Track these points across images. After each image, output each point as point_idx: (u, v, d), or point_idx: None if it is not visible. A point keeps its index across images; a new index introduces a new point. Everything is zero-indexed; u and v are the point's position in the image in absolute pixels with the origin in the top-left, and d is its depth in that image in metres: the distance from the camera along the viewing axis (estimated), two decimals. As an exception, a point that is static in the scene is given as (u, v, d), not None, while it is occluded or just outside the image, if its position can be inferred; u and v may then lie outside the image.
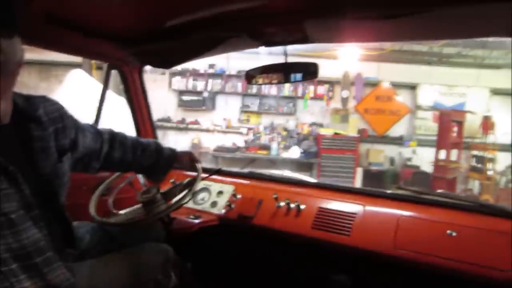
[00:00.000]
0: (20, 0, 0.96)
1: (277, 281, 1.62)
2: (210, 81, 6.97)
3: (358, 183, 6.38)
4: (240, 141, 6.94)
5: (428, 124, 6.97)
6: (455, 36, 1.94)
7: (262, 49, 1.56)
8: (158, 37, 1.41)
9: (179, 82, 6.99)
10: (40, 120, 1.01)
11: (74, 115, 1.18)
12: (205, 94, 6.99)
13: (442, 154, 6.24)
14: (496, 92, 6.84)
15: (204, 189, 1.75)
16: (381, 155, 6.86)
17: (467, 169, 6.76)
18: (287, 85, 6.79)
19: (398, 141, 6.96)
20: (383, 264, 1.31)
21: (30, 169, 0.95)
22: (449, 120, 6.21)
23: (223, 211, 1.62)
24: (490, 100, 6.90)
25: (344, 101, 6.96)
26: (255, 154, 6.59)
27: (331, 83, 6.90)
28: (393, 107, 6.86)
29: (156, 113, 1.92)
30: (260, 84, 1.47)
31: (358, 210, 1.42)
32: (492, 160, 6.37)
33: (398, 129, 7.00)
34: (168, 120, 6.99)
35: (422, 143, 6.84)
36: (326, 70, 5.95)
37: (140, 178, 1.64)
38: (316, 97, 6.94)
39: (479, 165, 6.55)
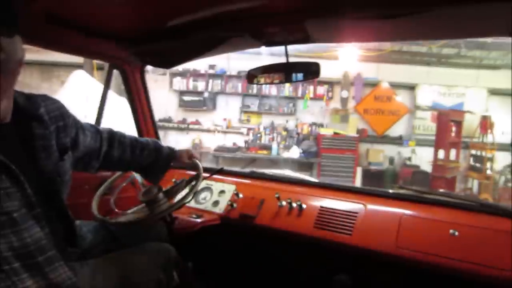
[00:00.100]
0: (21, 0, 0.95)
1: (279, 280, 1.61)
2: (210, 81, 6.97)
3: (358, 182, 6.38)
4: (240, 141, 6.93)
5: (427, 124, 6.98)
6: (455, 35, 1.93)
7: (264, 49, 1.56)
8: (160, 36, 1.40)
9: (180, 83, 6.98)
10: (42, 118, 1.00)
11: (77, 115, 1.18)
12: (206, 95, 6.99)
13: (441, 154, 6.24)
14: (494, 92, 6.86)
15: (206, 189, 1.74)
16: (381, 155, 6.87)
17: (466, 169, 6.77)
18: (287, 86, 6.80)
19: (398, 141, 6.97)
20: (385, 264, 1.30)
21: (31, 168, 0.94)
22: (447, 120, 6.23)
23: (225, 210, 1.61)
24: (489, 100, 6.92)
25: (344, 101, 6.96)
26: (255, 154, 6.59)
27: (331, 83, 6.90)
28: (393, 107, 6.87)
29: (157, 114, 1.91)
30: (262, 84, 1.47)
31: (360, 209, 1.41)
32: (490, 159, 6.37)
33: (397, 129, 7.01)
34: (169, 120, 6.99)
35: (421, 143, 6.84)
36: (326, 70, 5.90)
37: (138, 177, 1.61)
38: (316, 97, 6.94)
39: (477, 165, 6.55)
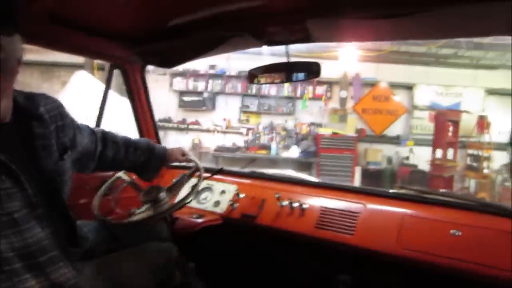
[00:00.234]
0: (23, 0, 0.94)
1: (280, 280, 1.60)
2: (210, 81, 6.96)
3: (356, 182, 6.38)
4: (240, 141, 6.92)
5: (425, 124, 6.99)
6: (455, 35, 1.92)
7: (264, 49, 1.55)
8: (161, 36, 1.39)
9: (180, 83, 6.97)
10: (42, 117, 0.99)
11: (80, 116, 1.17)
12: (206, 95, 6.98)
13: (439, 153, 6.25)
14: (491, 92, 6.87)
15: (207, 189, 1.73)
16: (379, 154, 6.87)
17: (463, 168, 6.77)
18: (286, 86, 6.79)
19: (396, 140, 6.97)
20: (386, 264, 1.29)
21: (32, 167, 0.94)
22: (445, 120, 6.23)
23: (226, 210, 1.60)
24: (486, 100, 6.92)
25: (343, 101, 6.96)
26: (255, 154, 6.58)
27: (330, 83, 6.89)
28: (391, 107, 6.87)
29: (157, 114, 1.90)
30: (262, 84, 1.46)
31: (361, 209, 1.40)
32: (487, 158, 6.37)
33: (395, 129, 7.01)
34: (169, 120, 6.97)
35: (419, 143, 6.84)
36: (324, 70, 5.87)
37: (126, 177, 1.56)
38: (315, 98, 6.93)
39: (475, 164, 6.56)
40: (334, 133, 6.50)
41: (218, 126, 7.04)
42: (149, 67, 1.83)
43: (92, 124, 1.71)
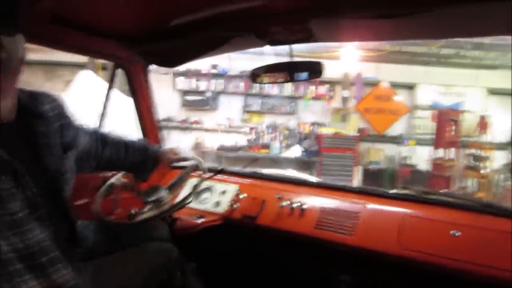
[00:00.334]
0: (26, 0, 0.94)
1: (280, 281, 1.59)
2: (213, 81, 6.94)
3: (357, 181, 6.36)
4: (242, 140, 6.91)
5: (426, 123, 6.94)
6: (456, 35, 1.90)
7: (266, 49, 1.54)
8: (163, 36, 1.39)
9: (182, 82, 6.95)
10: (45, 116, 0.99)
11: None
12: (208, 94, 6.96)
13: (440, 153, 6.21)
14: (493, 92, 6.83)
15: (207, 189, 1.72)
16: (380, 154, 6.83)
17: (464, 167, 6.74)
18: (288, 85, 6.76)
19: (397, 140, 6.94)
20: (387, 264, 1.28)
21: (35, 166, 0.93)
22: (446, 119, 6.19)
23: (226, 211, 1.59)
24: (487, 99, 6.88)
25: (345, 100, 6.93)
26: (257, 153, 6.56)
27: (332, 83, 6.87)
28: (392, 106, 6.84)
29: (160, 113, 1.90)
30: (265, 83, 1.45)
31: (362, 209, 1.38)
32: (488, 158, 6.33)
33: (397, 128, 6.98)
34: (171, 119, 6.97)
35: (420, 142, 6.81)
36: (326, 70, 5.90)
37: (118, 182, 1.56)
38: (317, 97, 6.90)
39: (475, 164, 6.52)
40: (336, 133, 6.48)
41: (221, 126, 7.03)
42: (152, 67, 1.82)
43: (97, 123, 1.72)
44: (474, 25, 1.15)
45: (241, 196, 1.62)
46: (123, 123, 4.01)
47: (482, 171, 6.24)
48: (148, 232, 1.33)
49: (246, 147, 6.75)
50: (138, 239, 1.25)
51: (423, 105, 6.94)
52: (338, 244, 1.34)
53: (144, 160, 1.42)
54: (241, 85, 6.89)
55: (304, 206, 1.46)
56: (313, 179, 1.83)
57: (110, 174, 1.52)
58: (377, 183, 6.34)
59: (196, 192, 1.36)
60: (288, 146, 6.64)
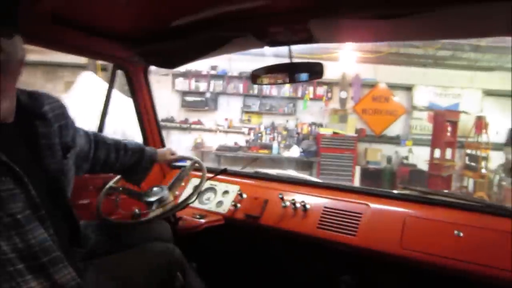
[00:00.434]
0: (26, 0, 0.92)
1: (282, 281, 1.58)
2: (212, 82, 6.95)
3: (356, 181, 6.37)
4: (241, 141, 6.91)
5: (424, 124, 6.98)
6: (456, 35, 1.89)
7: (267, 51, 1.53)
8: (164, 37, 1.37)
9: (182, 83, 6.96)
10: (45, 116, 0.98)
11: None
12: (208, 95, 6.96)
13: (437, 153, 6.23)
14: (489, 93, 6.87)
15: (210, 189, 1.70)
16: (379, 154, 6.85)
17: (461, 167, 6.76)
18: (287, 86, 6.78)
19: (395, 140, 6.97)
20: (389, 264, 1.26)
21: (36, 167, 0.92)
22: (443, 120, 6.22)
23: (229, 211, 1.58)
24: (483, 100, 6.90)
25: (343, 101, 6.95)
26: (256, 153, 6.56)
27: (330, 84, 6.89)
28: (390, 107, 6.86)
29: (160, 114, 1.89)
30: (265, 84, 1.43)
31: (364, 210, 1.37)
32: (485, 158, 6.35)
33: (394, 129, 7.01)
34: (171, 120, 6.96)
35: (417, 142, 6.84)
36: (325, 71, 5.92)
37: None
38: (316, 98, 6.92)
39: (472, 164, 6.54)
40: (335, 133, 6.49)
41: (220, 126, 7.03)
42: (152, 68, 1.81)
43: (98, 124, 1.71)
44: (474, 26, 1.14)
45: (243, 196, 1.60)
46: (125, 124, 4.01)
47: (481, 171, 6.25)
48: (149, 232, 1.32)
49: (245, 148, 6.74)
50: (140, 239, 1.24)
51: (420, 106, 6.97)
52: (341, 244, 1.33)
53: (138, 161, 1.39)
54: (240, 86, 6.90)
55: (307, 206, 1.45)
56: (315, 179, 1.82)
57: (110, 175, 1.50)
58: (376, 182, 6.34)
59: (198, 191, 1.35)
60: (286, 147, 6.65)
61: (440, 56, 6.43)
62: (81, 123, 1.21)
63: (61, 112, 1.05)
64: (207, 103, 6.95)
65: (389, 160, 6.78)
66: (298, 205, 1.46)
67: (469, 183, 6.68)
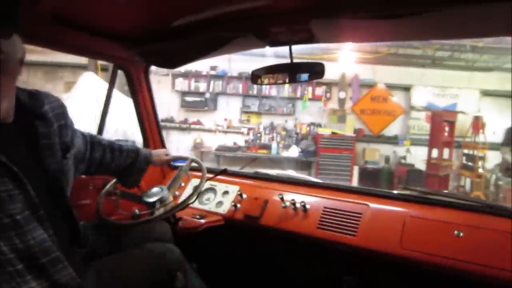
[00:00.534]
0: (26, 0, 0.91)
1: (283, 281, 1.57)
2: (211, 82, 6.94)
3: (354, 180, 6.37)
4: (241, 141, 6.91)
5: (421, 124, 6.99)
6: (456, 36, 1.88)
7: (268, 51, 1.51)
8: (164, 37, 1.36)
9: (182, 84, 6.95)
10: (45, 116, 0.97)
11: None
12: (207, 95, 6.96)
13: (435, 153, 6.24)
14: (486, 93, 6.88)
15: (210, 189, 1.69)
16: (377, 154, 6.85)
17: (458, 167, 6.77)
18: (286, 87, 6.77)
19: (393, 140, 6.97)
20: (390, 264, 1.25)
21: (36, 167, 0.92)
22: (441, 120, 6.24)
23: (229, 211, 1.57)
24: (481, 101, 6.91)
25: (341, 102, 6.95)
26: (255, 153, 6.56)
27: (329, 84, 6.88)
28: (388, 107, 6.87)
29: (160, 114, 1.87)
30: (266, 84, 1.42)
31: (364, 210, 1.36)
32: (482, 158, 6.36)
33: (392, 129, 7.01)
34: (171, 120, 6.95)
35: (415, 142, 6.85)
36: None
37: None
38: (314, 98, 6.93)
39: (470, 163, 6.55)
40: (333, 133, 6.50)
41: (220, 126, 7.02)
42: (152, 68, 1.79)
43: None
44: (474, 26, 1.14)
45: (243, 197, 1.59)
46: (126, 124, 4.00)
47: (478, 171, 6.26)
48: (149, 233, 1.31)
49: (244, 148, 6.74)
50: (140, 239, 1.24)
51: (418, 106, 6.98)
52: (341, 244, 1.31)
53: (133, 162, 1.37)
54: (240, 86, 6.90)
55: (307, 207, 1.43)
56: (315, 179, 1.81)
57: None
58: (374, 182, 6.35)
59: (198, 192, 1.34)
60: (285, 147, 6.64)
61: (438, 56, 6.44)
62: (83, 123, 1.20)
63: (61, 111, 1.04)
64: (207, 103, 6.95)
65: (387, 160, 6.79)
66: (298, 205, 1.45)
67: (466, 182, 6.70)
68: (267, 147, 6.63)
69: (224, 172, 1.61)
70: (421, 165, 6.56)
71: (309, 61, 1.37)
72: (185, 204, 1.32)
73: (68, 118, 1.07)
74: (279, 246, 1.54)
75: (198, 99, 6.96)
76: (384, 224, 1.30)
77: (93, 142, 1.27)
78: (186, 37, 1.33)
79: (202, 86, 6.94)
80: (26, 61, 0.88)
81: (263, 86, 6.52)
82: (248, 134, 6.93)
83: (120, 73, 1.73)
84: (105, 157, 1.30)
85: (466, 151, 6.69)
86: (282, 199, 1.47)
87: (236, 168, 2.00)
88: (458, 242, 1.16)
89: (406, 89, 7.01)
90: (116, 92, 1.81)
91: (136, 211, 1.33)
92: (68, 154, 1.03)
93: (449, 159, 6.42)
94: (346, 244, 1.30)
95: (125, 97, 3.84)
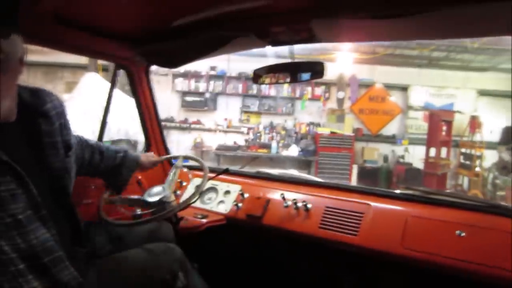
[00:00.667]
0: (27, 0, 0.90)
1: (284, 280, 1.56)
2: (211, 82, 6.94)
3: (353, 179, 6.38)
4: (241, 140, 6.90)
5: (419, 124, 7.01)
6: (456, 35, 1.87)
7: (268, 51, 1.51)
8: (165, 36, 1.35)
9: (182, 84, 6.95)
10: (48, 114, 0.96)
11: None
12: (207, 95, 6.95)
13: (433, 152, 6.25)
14: (483, 93, 6.90)
15: (211, 189, 1.68)
16: (375, 153, 6.87)
17: (456, 166, 6.78)
18: (285, 87, 6.76)
19: (391, 139, 6.98)
20: (391, 264, 1.24)
21: (38, 166, 0.91)
22: (438, 120, 6.25)
23: (230, 210, 1.56)
24: (477, 100, 6.93)
25: (340, 101, 6.96)
26: (255, 153, 6.56)
27: (328, 84, 6.89)
28: (386, 107, 6.88)
29: (160, 114, 1.86)
30: (267, 84, 1.41)
31: (366, 209, 1.34)
32: (479, 157, 6.37)
33: (391, 128, 7.03)
34: (171, 120, 6.94)
35: (413, 142, 6.86)
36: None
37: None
38: (314, 98, 6.94)
39: (467, 162, 6.56)
40: (332, 133, 6.51)
41: (220, 126, 7.02)
42: (152, 68, 1.78)
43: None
44: (474, 26, 1.13)
45: (245, 196, 1.58)
46: (128, 123, 3.97)
47: (473, 170, 6.27)
48: (151, 232, 1.30)
49: (244, 147, 6.74)
50: (141, 239, 1.23)
51: (416, 106, 6.99)
52: (342, 243, 1.30)
53: (122, 163, 1.35)
54: (240, 86, 6.90)
55: (308, 206, 1.42)
56: (316, 179, 1.79)
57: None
58: (373, 181, 6.35)
59: (200, 191, 1.32)
60: (285, 146, 6.64)
61: (435, 57, 6.44)
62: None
63: (62, 110, 1.03)
64: (207, 103, 6.95)
65: (385, 159, 6.79)
66: (299, 205, 1.43)
67: (464, 181, 6.70)
68: (267, 146, 6.63)
69: (226, 171, 1.60)
70: (419, 164, 6.57)
71: (309, 60, 1.36)
72: (186, 204, 1.30)
73: (67, 117, 1.06)
74: (281, 246, 1.53)
75: (198, 99, 6.96)
76: (385, 224, 1.28)
77: (82, 144, 1.25)
78: (186, 36, 1.32)
79: (202, 86, 6.94)
80: (26, 61, 0.88)
81: (263, 86, 6.53)
82: (248, 133, 6.93)
83: (121, 72, 1.72)
84: (94, 157, 1.28)
85: (463, 150, 6.71)
86: (284, 198, 1.46)
87: (236, 167, 1.98)
88: (460, 242, 1.14)
89: (404, 89, 7.03)
90: (117, 92, 1.79)
91: (138, 210, 1.32)
92: (70, 152, 1.03)
93: (447, 158, 6.43)
94: (348, 243, 1.29)
95: (127, 96, 3.82)
